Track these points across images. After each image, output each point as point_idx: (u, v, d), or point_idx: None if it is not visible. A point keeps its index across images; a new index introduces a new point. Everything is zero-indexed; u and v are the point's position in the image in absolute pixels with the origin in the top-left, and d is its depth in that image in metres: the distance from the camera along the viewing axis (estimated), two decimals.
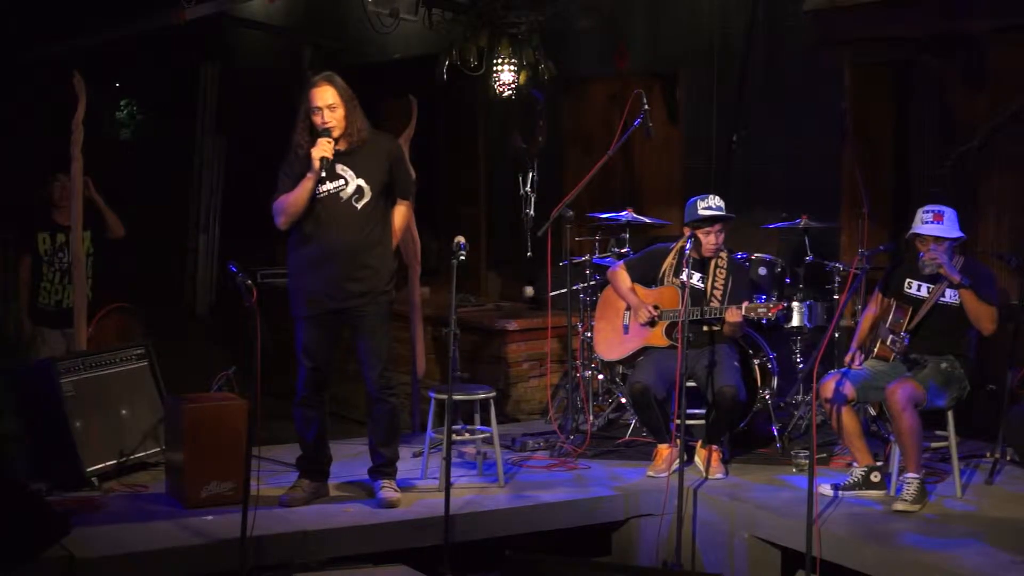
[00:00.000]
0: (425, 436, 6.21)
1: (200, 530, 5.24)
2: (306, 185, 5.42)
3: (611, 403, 7.31)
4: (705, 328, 6.18)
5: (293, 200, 5.44)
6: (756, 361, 6.52)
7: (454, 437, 5.87)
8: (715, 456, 6.11)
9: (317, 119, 5.44)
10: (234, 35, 12.43)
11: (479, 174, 10.02)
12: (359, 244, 5.52)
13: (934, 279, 5.70)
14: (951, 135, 7.10)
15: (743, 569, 5.56)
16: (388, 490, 5.66)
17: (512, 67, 7.96)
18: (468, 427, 6.29)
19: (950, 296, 5.67)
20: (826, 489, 5.72)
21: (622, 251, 7.31)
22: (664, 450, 6.18)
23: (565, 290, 6.93)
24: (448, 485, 5.19)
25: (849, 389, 5.62)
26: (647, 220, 7.49)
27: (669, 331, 6.20)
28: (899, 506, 5.48)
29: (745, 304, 5.96)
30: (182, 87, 12.49)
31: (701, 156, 8.23)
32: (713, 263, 6.24)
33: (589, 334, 7.07)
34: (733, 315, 5.97)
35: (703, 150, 8.21)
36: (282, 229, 5.55)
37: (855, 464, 5.80)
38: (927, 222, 5.63)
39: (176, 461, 5.72)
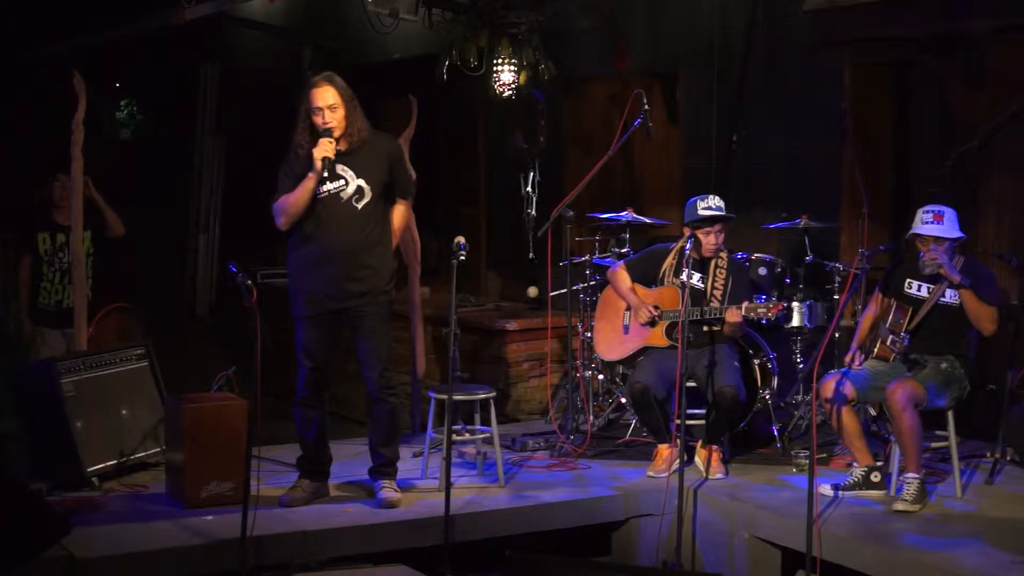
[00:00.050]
0: (425, 436, 6.21)
1: (200, 530, 5.24)
2: (307, 185, 5.42)
3: (611, 403, 7.31)
4: (705, 328, 6.18)
5: (294, 200, 5.44)
6: (756, 361, 6.52)
7: (454, 437, 5.87)
8: (715, 456, 6.11)
9: (318, 119, 5.43)
10: (234, 35, 12.42)
11: (479, 174, 10.02)
12: (359, 244, 5.52)
13: (934, 279, 5.70)
14: (951, 135, 7.10)
15: (743, 569, 5.56)
16: (388, 490, 5.66)
17: (512, 67, 7.96)
18: (468, 427, 6.29)
19: (950, 296, 5.67)
20: (826, 489, 5.72)
21: (622, 251, 7.31)
22: (664, 450, 6.18)
23: (565, 290, 6.93)
24: (448, 485, 5.18)
25: (849, 389, 5.62)
26: (647, 220, 7.49)
27: (669, 331, 6.20)
28: (899, 506, 5.48)
29: (745, 304, 5.96)
30: (182, 87, 12.49)
31: (701, 156, 8.23)
32: (713, 263, 6.24)
33: (589, 334, 7.07)
34: (733, 315, 5.97)
35: (703, 150, 8.20)
36: (282, 229, 5.55)
37: (855, 464, 5.80)
38: (927, 222, 5.63)
39: (176, 461, 5.72)
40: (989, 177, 7.03)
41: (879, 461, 5.84)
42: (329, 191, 5.48)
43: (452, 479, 5.27)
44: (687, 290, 5.77)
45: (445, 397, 5.48)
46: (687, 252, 5.88)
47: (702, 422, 6.19)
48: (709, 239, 6.16)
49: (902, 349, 5.72)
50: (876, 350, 5.80)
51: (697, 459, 6.20)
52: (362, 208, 5.51)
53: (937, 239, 5.60)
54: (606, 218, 7.43)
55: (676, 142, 8.56)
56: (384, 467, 5.75)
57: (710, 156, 8.13)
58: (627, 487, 6.01)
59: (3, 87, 10.90)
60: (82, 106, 6.57)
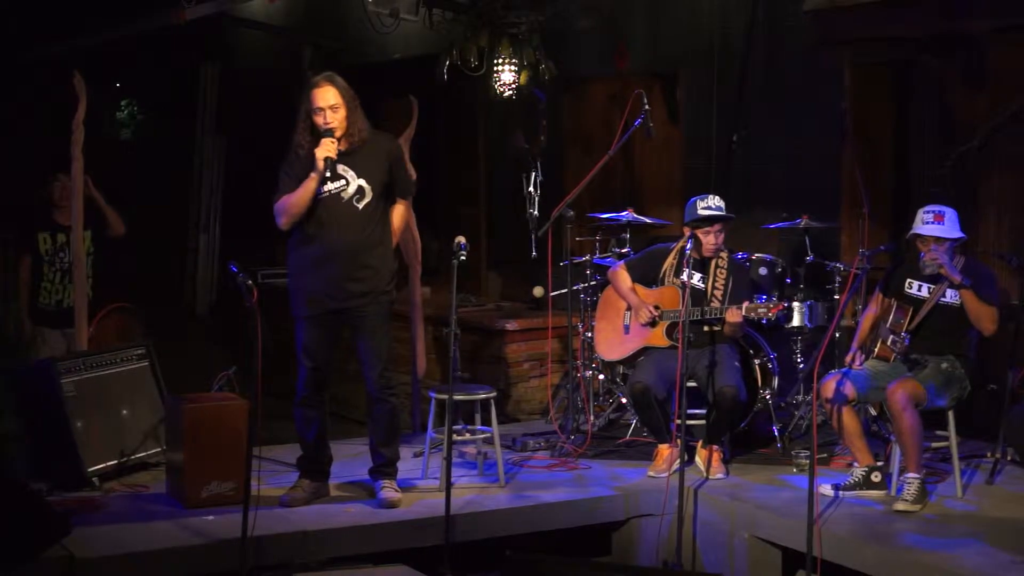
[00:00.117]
0: (426, 436, 6.21)
1: (200, 530, 5.24)
2: (309, 186, 5.41)
3: (612, 403, 7.30)
4: (705, 328, 6.18)
5: (296, 200, 5.44)
6: (757, 361, 6.52)
7: (455, 437, 5.87)
8: (716, 456, 6.10)
9: (319, 119, 5.43)
10: (234, 35, 12.42)
11: (479, 174, 10.02)
12: (360, 244, 5.52)
13: (935, 279, 5.70)
14: (951, 135, 7.10)
15: (743, 569, 5.56)
16: (389, 490, 5.66)
17: (512, 67, 7.96)
18: (469, 427, 6.29)
19: (951, 296, 5.67)
20: (827, 489, 5.72)
21: (622, 251, 7.31)
22: (664, 450, 6.18)
23: (566, 290, 6.93)
24: (448, 485, 5.18)
25: (850, 389, 5.62)
26: (647, 220, 7.49)
27: (670, 331, 6.19)
28: (900, 506, 5.48)
29: (745, 304, 5.96)
30: (182, 87, 12.48)
31: (701, 156, 8.23)
32: (714, 263, 6.24)
33: (590, 334, 7.07)
34: (733, 315, 5.97)
35: (703, 150, 8.20)
36: (283, 229, 5.54)
37: (856, 464, 5.80)
38: (928, 222, 5.63)
39: (176, 461, 5.72)
40: (989, 177, 7.03)
41: (879, 461, 5.84)
42: (330, 191, 5.48)
43: (452, 479, 5.27)
44: (687, 290, 5.77)
45: (445, 397, 5.47)
46: (688, 252, 5.88)
47: (702, 422, 6.19)
48: (709, 239, 6.16)
49: (902, 349, 5.72)
50: (877, 350, 5.80)
51: (697, 459, 6.20)
52: (363, 208, 5.51)
53: (938, 239, 5.60)
54: (606, 218, 7.43)
55: (676, 142, 8.55)
56: (384, 467, 5.75)
57: (710, 156, 8.13)
58: (627, 487, 6.01)
59: (3, 87, 10.90)
60: (82, 106, 6.57)
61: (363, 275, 5.54)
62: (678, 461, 5.69)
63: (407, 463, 6.16)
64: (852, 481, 5.73)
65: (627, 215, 7.35)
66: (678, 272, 6.26)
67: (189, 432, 5.60)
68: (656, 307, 6.24)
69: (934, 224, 5.61)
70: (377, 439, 5.74)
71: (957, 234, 5.63)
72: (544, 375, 8.21)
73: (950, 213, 5.64)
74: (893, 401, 5.48)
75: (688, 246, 5.90)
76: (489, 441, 6.18)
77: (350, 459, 6.26)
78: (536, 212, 7.09)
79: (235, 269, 4.84)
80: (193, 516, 5.41)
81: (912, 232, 5.68)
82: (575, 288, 7.16)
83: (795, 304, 6.79)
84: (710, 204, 6.15)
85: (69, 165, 6.62)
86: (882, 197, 7.36)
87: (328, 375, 5.71)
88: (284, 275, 5.91)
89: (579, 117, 9.24)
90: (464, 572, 5.29)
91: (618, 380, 7.25)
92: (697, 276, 6.20)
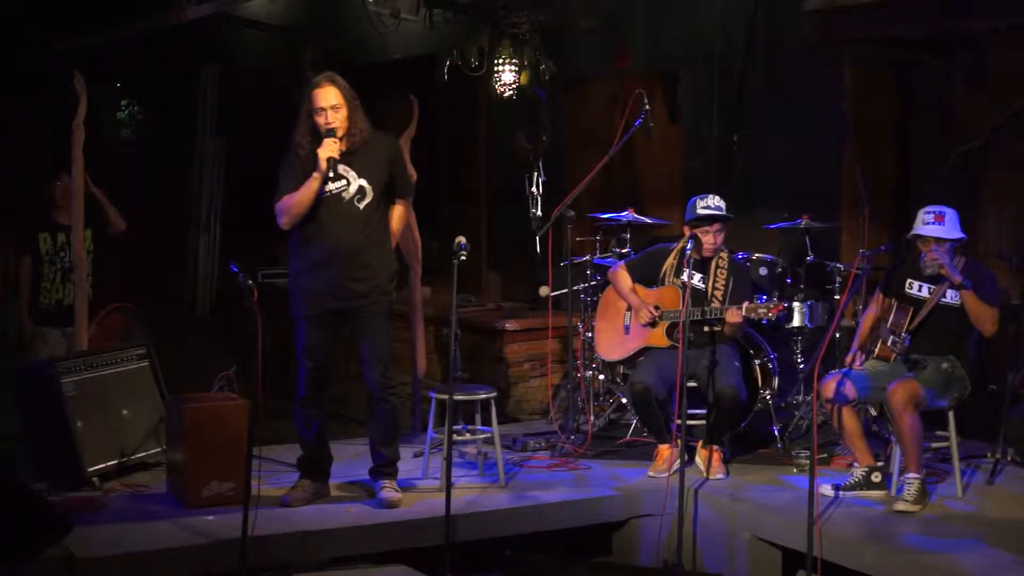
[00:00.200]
0: (426, 436, 6.21)
1: (201, 530, 5.24)
2: (312, 185, 5.41)
3: (612, 403, 7.30)
4: (706, 328, 6.18)
5: (298, 200, 5.44)
6: (757, 361, 6.51)
7: (455, 437, 5.87)
8: (716, 456, 6.10)
9: (320, 119, 5.43)
10: (234, 35, 12.41)
11: (479, 174, 10.01)
12: (361, 244, 5.51)
13: (935, 280, 5.70)
14: (952, 135, 7.09)
15: (744, 569, 5.56)
16: (389, 490, 5.66)
17: (513, 67, 7.96)
18: (469, 427, 6.28)
19: (951, 297, 5.67)
20: (827, 489, 5.71)
21: (623, 251, 7.31)
22: (665, 450, 6.18)
23: (566, 290, 6.93)
24: (449, 485, 5.18)
25: (850, 389, 5.62)
26: (648, 220, 7.49)
27: (670, 331, 6.19)
28: (900, 506, 5.48)
29: (746, 304, 5.96)
30: (182, 87, 12.47)
31: (701, 156, 8.23)
32: (714, 263, 6.24)
33: (590, 334, 7.07)
34: (734, 315, 5.97)
35: (703, 150, 8.21)
36: (284, 229, 5.54)
37: (856, 464, 5.80)
38: (928, 223, 5.63)
39: (177, 461, 5.72)
40: (990, 177, 7.03)
41: (880, 461, 5.84)
42: (331, 191, 5.47)
43: (453, 479, 5.26)
44: (688, 290, 5.77)
45: (446, 397, 5.47)
46: (688, 252, 5.88)
47: (703, 422, 6.19)
48: (708, 238, 6.15)
49: (903, 349, 5.71)
50: (877, 350, 5.79)
51: (698, 459, 6.19)
52: (364, 208, 5.51)
53: (938, 240, 5.60)
54: (607, 218, 7.43)
55: (676, 142, 8.55)
56: (385, 467, 5.75)
57: (710, 156, 8.13)
58: (628, 487, 6.01)
59: (3, 87, 10.89)
60: (82, 106, 6.57)
61: (364, 275, 5.54)
62: (678, 461, 5.68)
63: (407, 463, 6.15)
64: (852, 481, 5.73)
65: (627, 215, 7.34)
66: (678, 272, 6.26)
67: (189, 432, 5.60)
68: (656, 307, 6.24)
69: (935, 224, 5.61)
70: (377, 439, 5.74)
71: (957, 235, 5.63)
72: (544, 375, 8.21)
73: (950, 214, 5.64)
74: (893, 401, 5.48)
75: (688, 246, 5.90)
76: (489, 441, 6.18)
77: (350, 459, 6.26)
78: (539, 212, 7.09)
79: (235, 269, 4.84)
80: (193, 516, 5.41)
81: (913, 232, 5.68)
82: (575, 288, 7.15)
83: (795, 304, 6.79)
84: (709, 204, 6.15)
85: (70, 165, 6.62)
86: (882, 197, 7.36)
87: (328, 375, 5.70)
88: (284, 275, 5.91)
89: (579, 117, 9.23)
90: (464, 572, 5.29)
91: (618, 380, 7.25)
92: (697, 276, 6.20)
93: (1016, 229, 6.91)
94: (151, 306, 8.43)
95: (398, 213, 5.72)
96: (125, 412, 6.23)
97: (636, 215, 7.38)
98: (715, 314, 6.07)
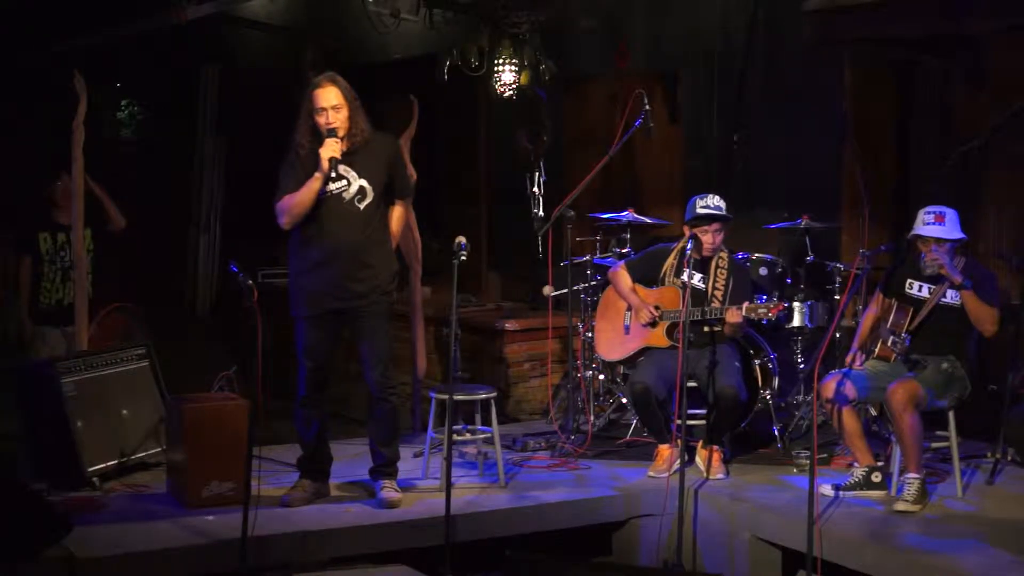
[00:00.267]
0: (426, 436, 6.21)
1: (201, 530, 5.24)
2: (313, 185, 5.41)
3: (612, 403, 7.30)
4: (706, 328, 6.17)
5: (299, 200, 5.43)
6: (757, 361, 6.51)
7: (455, 437, 5.87)
8: (716, 456, 6.10)
9: (321, 120, 5.43)
10: (234, 35, 12.41)
11: (479, 174, 10.01)
12: (361, 244, 5.52)
13: (935, 280, 5.70)
14: (952, 135, 7.09)
15: (744, 569, 5.56)
16: (389, 490, 5.65)
17: (513, 67, 7.96)
18: (469, 427, 6.28)
19: (951, 297, 5.67)
20: (827, 489, 5.71)
21: (623, 251, 7.30)
22: (665, 450, 6.18)
23: (566, 290, 6.93)
24: (449, 485, 5.17)
25: (850, 389, 5.62)
26: (648, 220, 7.48)
27: (670, 331, 6.19)
28: (900, 506, 5.48)
29: (746, 304, 5.96)
30: (182, 87, 12.47)
31: (701, 156, 8.23)
32: (714, 263, 6.24)
33: (590, 334, 7.07)
34: (734, 315, 5.97)
35: (703, 150, 8.21)
36: (285, 229, 5.54)
37: (856, 464, 5.80)
38: (928, 223, 5.63)
39: (177, 461, 5.72)
40: (990, 177, 7.02)
41: (880, 461, 5.84)
42: (332, 191, 5.47)
43: (453, 479, 5.26)
44: (688, 290, 5.77)
45: (446, 397, 5.47)
46: (688, 252, 5.88)
47: (703, 422, 6.19)
48: (707, 238, 6.15)
49: (903, 349, 5.71)
50: (877, 350, 5.79)
51: (698, 459, 6.19)
52: (364, 208, 5.51)
53: (938, 240, 5.60)
54: (607, 218, 7.42)
55: (676, 142, 8.55)
56: (385, 467, 5.75)
57: (710, 156, 8.13)
58: (628, 487, 6.01)
59: (3, 87, 10.89)
60: (82, 106, 6.57)
61: (364, 275, 5.54)
62: (678, 461, 5.68)
63: (407, 463, 6.15)
64: (852, 481, 5.73)
65: (627, 215, 7.34)
66: (678, 272, 6.26)
67: (189, 432, 5.60)
68: (656, 307, 6.24)
69: (935, 225, 5.61)
70: (377, 439, 5.74)
71: (958, 235, 5.63)
72: (544, 375, 8.21)
73: (951, 214, 5.64)
74: (893, 401, 5.48)
75: (688, 246, 5.90)
76: (489, 441, 6.18)
77: (350, 459, 6.26)
78: (541, 212, 7.09)
79: (235, 269, 4.84)
80: (193, 516, 5.41)
81: (913, 233, 5.68)
82: (576, 288, 7.15)
83: (795, 304, 6.79)
84: (709, 203, 6.15)
85: (70, 165, 6.62)
86: (882, 197, 7.36)
87: (328, 375, 5.70)
88: (284, 275, 5.91)
89: (579, 117, 9.23)
90: (464, 572, 5.28)
91: (618, 380, 7.25)
92: (697, 276, 6.20)
93: (1016, 229, 6.90)
94: (151, 306, 8.43)
95: (398, 213, 5.72)
96: (125, 412, 6.23)
97: (636, 215, 7.37)
98: (715, 314, 6.07)
